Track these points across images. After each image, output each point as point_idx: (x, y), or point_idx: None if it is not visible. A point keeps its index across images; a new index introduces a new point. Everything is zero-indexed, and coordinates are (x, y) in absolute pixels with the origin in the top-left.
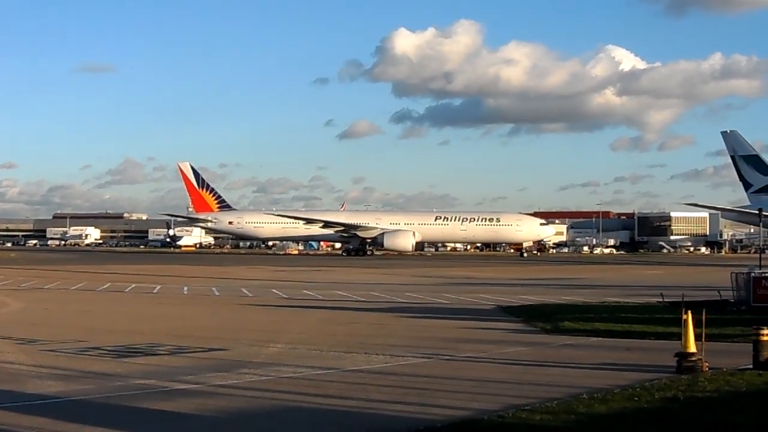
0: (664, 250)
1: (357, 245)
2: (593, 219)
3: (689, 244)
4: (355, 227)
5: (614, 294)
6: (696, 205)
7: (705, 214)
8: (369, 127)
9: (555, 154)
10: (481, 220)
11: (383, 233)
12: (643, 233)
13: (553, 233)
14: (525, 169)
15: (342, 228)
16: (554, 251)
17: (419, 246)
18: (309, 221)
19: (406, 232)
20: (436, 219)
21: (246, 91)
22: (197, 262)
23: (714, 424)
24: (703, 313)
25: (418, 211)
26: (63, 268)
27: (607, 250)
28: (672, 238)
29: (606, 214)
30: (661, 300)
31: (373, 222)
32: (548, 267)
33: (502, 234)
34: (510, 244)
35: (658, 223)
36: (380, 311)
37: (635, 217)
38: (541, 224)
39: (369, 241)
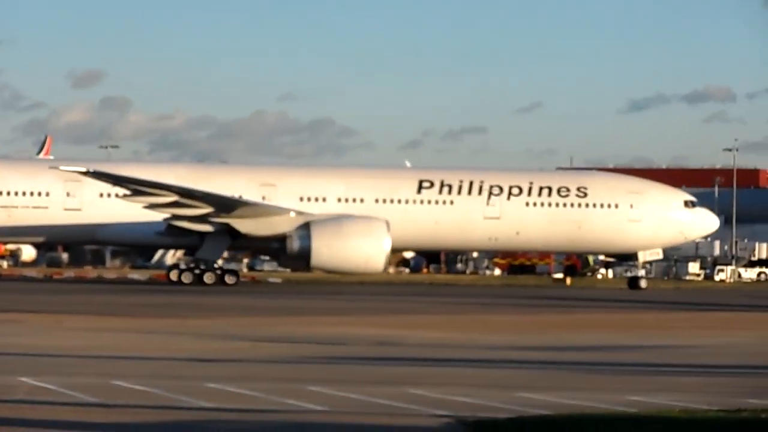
0: None
1: (211, 255)
2: (714, 189)
3: None
4: (231, 206)
5: (765, 387)
6: None
7: None
8: None
9: (613, 13)
10: (541, 192)
11: (307, 225)
12: None
13: (715, 228)
14: (535, 50)
15: (208, 209)
16: (606, 274)
17: None
18: (139, 189)
19: (371, 222)
20: (421, 188)
21: None
22: None
23: None
24: None
25: (364, 167)
26: None
27: (750, 273)
28: None
29: (749, 176)
30: None
31: (255, 191)
32: (593, 313)
33: (593, 228)
34: (606, 255)
35: None
36: None
37: None
38: (688, 204)
39: (261, 242)
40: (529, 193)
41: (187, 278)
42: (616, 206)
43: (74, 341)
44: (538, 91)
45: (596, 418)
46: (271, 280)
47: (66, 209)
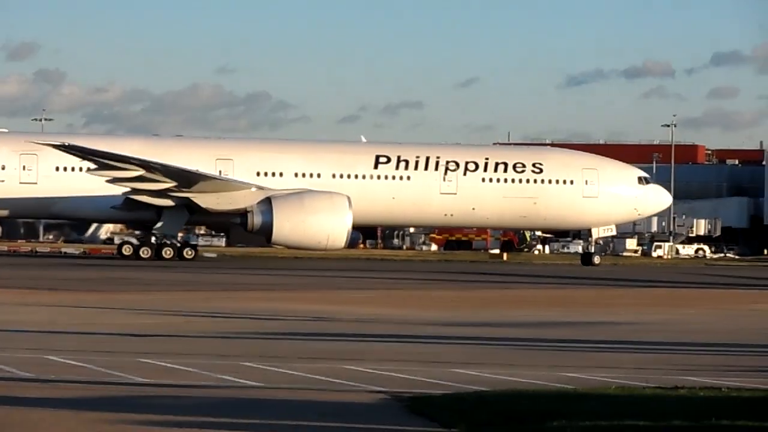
0: None
1: (169, 230)
2: (652, 165)
3: None
4: (194, 180)
5: (703, 365)
6: None
7: None
8: None
9: None
10: (497, 168)
11: (269, 200)
12: None
13: (668, 204)
14: (473, 25)
15: (171, 184)
16: (542, 250)
17: None
18: (108, 163)
19: (333, 197)
20: (377, 163)
21: None
22: None
23: None
24: None
25: (321, 142)
26: None
27: (687, 250)
28: None
29: (687, 152)
30: None
31: (211, 165)
32: (530, 289)
33: (549, 204)
34: (553, 232)
35: None
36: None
37: (766, 162)
38: (642, 181)
39: (221, 217)
40: (485, 169)
41: (145, 253)
42: (572, 182)
43: (7, 315)
44: (476, 66)
45: (532, 394)
46: (207, 254)
47: (22, 183)
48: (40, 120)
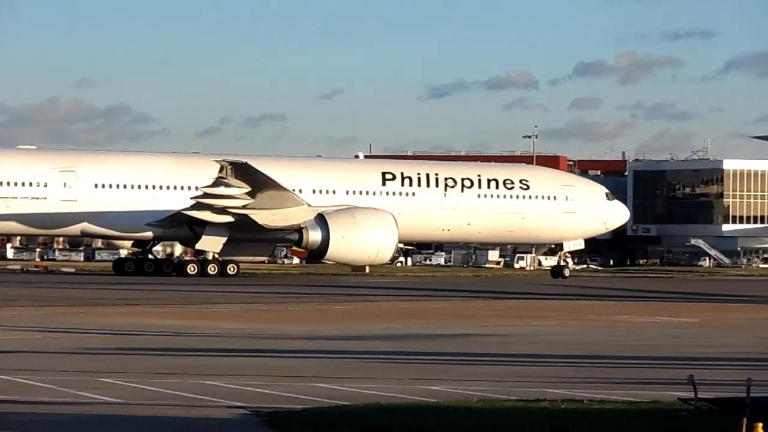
0: (704, 263)
1: (212, 246)
2: None
3: None
4: (263, 187)
5: (566, 377)
6: None
7: None
8: None
9: None
10: (490, 184)
11: (321, 216)
12: (649, 216)
13: (627, 218)
14: (335, 36)
15: (249, 200)
16: (405, 262)
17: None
18: (229, 183)
19: (381, 214)
20: (384, 179)
21: None
22: None
23: None
24: None
25: (328, 159)
26: None
27: (550, 261)
28: (726, 228)
29: (549, 163)
30: (687, 400)
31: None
32: (392, 302)
33: (535, 219)
34: (534, 245)
35: (690, 190)
36: None
37: (629, 173)
38: (608, 196)
39: (276, 234)
40: (479, 185)
41: (192, 270)
42: (555, 198)
43: None
44: (339, 77)
45: (394, 408)
46: (65, 269)
47: (63, 200)
48: None
